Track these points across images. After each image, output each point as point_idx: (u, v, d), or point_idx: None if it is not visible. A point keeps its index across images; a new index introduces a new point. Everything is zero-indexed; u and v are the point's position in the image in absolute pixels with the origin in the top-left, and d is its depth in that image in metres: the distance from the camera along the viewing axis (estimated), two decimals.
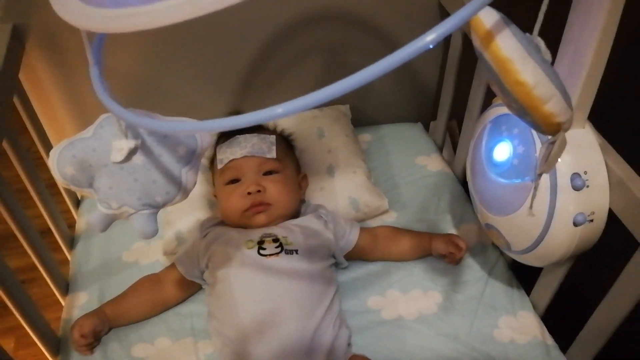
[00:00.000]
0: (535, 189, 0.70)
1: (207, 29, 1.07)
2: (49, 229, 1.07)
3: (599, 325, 0.81)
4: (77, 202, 1.20)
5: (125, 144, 0.63)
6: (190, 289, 0.96)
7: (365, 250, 1.00)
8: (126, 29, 0.42)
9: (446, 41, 1.19)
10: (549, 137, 0.60)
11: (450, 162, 1.23)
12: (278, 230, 0.92)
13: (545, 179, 0.71)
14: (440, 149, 1.27)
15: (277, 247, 0.89)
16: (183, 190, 0.68)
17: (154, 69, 1.12)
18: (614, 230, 0.73)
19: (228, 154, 0.95)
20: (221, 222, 0.99)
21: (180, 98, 1.16)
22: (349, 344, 0.87)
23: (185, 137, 0.67)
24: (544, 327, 0.93)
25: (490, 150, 0.80)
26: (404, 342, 0.91)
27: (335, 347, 0.82)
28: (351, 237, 0.99)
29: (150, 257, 1.05)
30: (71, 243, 1.11)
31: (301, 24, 1.12)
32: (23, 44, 1.00)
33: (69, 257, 1.09)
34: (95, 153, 0.67)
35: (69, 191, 1.17)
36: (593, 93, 0.70)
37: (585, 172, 0.71)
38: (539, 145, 0.72)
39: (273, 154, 0.95)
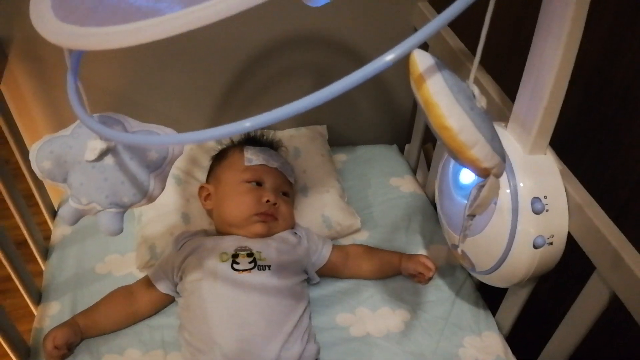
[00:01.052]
0: (466, 228, 0.70)
1: (189, 46, 1.09)
2: (25, 241, 1.07)
3: (559, 346, 0.84)
4: (54, 214, 1.20)
5: (98, 145, 0.67)
6: (162, 301, 0.97)
7: (337, 267, 1.02)
8: (99, 47, 0.44)
9: None
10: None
11: (423, 185, 1.27)
12: (253, 244, 0.94)
13: (507, 201, 0.75)
14: (414, 171, 1.31)
15: (250, 263, 0.90)
16: (150, 194, 0.71)
17: (135, 85, 1.14)
18: (576, 251, 0.76)
19: (261, 159, 1.00)
20: (195, 233, 1.01)
21: (160, 113, 1.18)
22: (317, 359, 0.89)
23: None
24: (508, 347, 0.95)
25: (456, 173, 0.83)
26: (371, 359, 0.93)
27: None
28: (323, 252, 1.01)
29: (124, 270, 1.06)
30: (45, 254, 1.11)
31: (282, 44, 1.15)
32: (6, 56, 1.02)
33: (43, 268, 1.09)
34: (72, 150, 0.70)
35: (45, 203, 1.17)
36: (553, 121, 0.74)
37: (545, 197, 0.74)
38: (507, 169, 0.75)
39: (293, 179, 1.05)
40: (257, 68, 1.17)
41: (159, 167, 0.71)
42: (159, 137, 0.69)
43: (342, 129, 1.30)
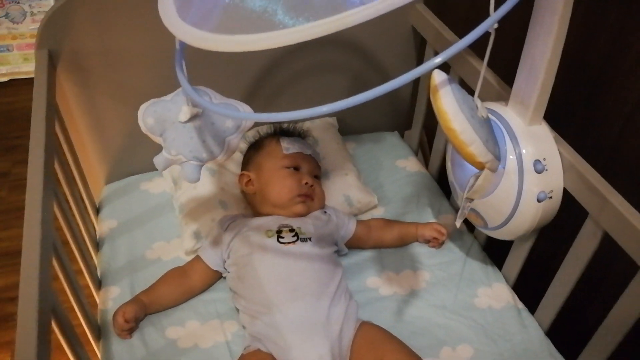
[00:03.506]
0: (465, 209, 0.88)
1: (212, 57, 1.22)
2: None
3: (558, 288, 1.00)
4: (97, 211, 1.31)
5: (190, 110, 0.86)
6: (213, 277, 1.10)
7: (362, 239, 1.17)
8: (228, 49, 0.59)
9: (419, 59, 1.39)
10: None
11: (425, 165, 1.42)
12: (293, 222, 1.07)
13: (513, 165, 0.90)
14: (416, 154, 1.46)
15: (293, 236, 1.04)
16: (223, 154, 0.89)
17: (159, 85, 1.25)
18: (569, 208, 0.92)
19: (297, 147, 1.14)
20: (235, 216, 1.14)
21: None
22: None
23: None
24: (515, 294, 1.11)
25: None
26: (401, 314, 1.07)
27: (348, 316, 0.97)
28: (350, 227, 1.15)
29: (171, 254, 1.18)
30: (96, 247, 1.22)
31: (294, 49, 1.29)
32: (55, 68, 1.13)
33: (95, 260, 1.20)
34: (169, 112, 0.88)
35: (91, 202, 1.29)
36: (546, 98, 0.90)
37: (544, 159, 0.90)
38: (508, 139, 0.91)
39: (321, 162, 1.20)
40: (272, 70, 1.30)
41: (232, 133, 0.89)
42: (238, 112, 0.87)
43: (348, 120, 1.45)
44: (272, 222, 1.08)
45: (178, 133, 0.88)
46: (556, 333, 1.04)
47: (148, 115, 0.90)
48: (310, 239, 1.04)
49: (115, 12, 1.11)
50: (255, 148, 1.18)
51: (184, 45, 0.76)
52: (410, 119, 1.47)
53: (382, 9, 0.54)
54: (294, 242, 1.03)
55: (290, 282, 0.98)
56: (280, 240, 1.03)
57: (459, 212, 0.87)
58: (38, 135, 0.91)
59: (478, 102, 0.76)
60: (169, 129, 0.89)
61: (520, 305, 1.09)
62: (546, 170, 0.90)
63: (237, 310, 1.04)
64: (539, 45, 0.84)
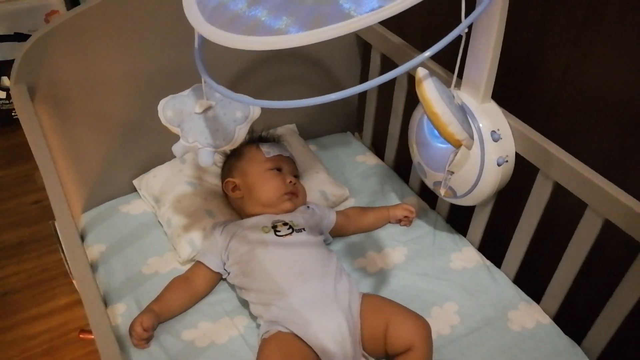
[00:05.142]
0: (447, 180, 1.02)
1: (185, 65, 1.28)
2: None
3: (519, 240, 1.17)
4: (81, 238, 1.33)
5: (205, 103, 0.99)
6: (215, 279, 1.17)
7: (343, 227, 1.29)
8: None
9: (365, 64, 1.54)
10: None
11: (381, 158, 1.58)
12: (284, 217, 1.17)
13: (475, 137, 1.07)
14: (370, 149, 1.61)
15: (288, 229, 1.14)
16: (234, 141, 1.01)
17: (136, 111, 1.31)
18: (522, 173, 1.09)
19: (276, 150, 1.24)
20: (226, 221, 1.22)
21: (157, 132, 1.36)
22: None
23: (243, 106, 1.01)
24: (482, 254, 1.28)
25: (432, 127, 1.13)
26: (390, 285, 1.20)
27: (352, 289, 1.08)
28: (331, 217, 1.27)
29: (168, 267, 1.23)
30: None
31: (255, 63, 1.40)
32: (32, 101, 1.16)
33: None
34: (186, 105, 1.00)
35: None
36: (493, 80, 1.07)
37: (498, 129, 1.07)
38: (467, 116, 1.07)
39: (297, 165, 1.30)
40: (250, 77, 1.40)
41: (241, 123, 1.01)
42: (253, 99, 0.96)
43: (306, 125, 1.57)
44: (264, 220, 1.17)
45: (194, 123, 1.00)
46: (522, 280, 1.21)
47: (167, 109, 1.01)
48: (304, 229, 1.15)
49: (91, 41, 1.16)
50: (235, 156, 1.27)
51: (202, 44, 0.86)
52: (357, 120, 1.62)
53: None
54: (290, 233, 1.13)
55: (295, 267, 1.07)
56: (277, 233, 1.13)
57: (442, 182, 1.02)
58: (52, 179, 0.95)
59: (454, 92, 0.92)
60: (186, 119, 1.01)
61: (488, 262, 1.26)
62: (501, 138, 1.07)
63: (247, 303, 1.12)
64: (482, 41, 1.02)
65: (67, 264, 1.47)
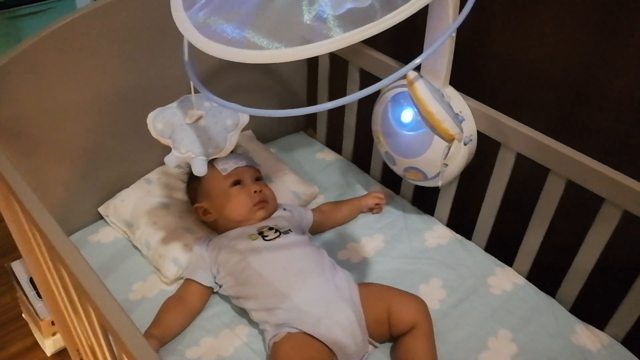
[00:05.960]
0: (443, 171, 1.12)
1: (139, 98, 1.26)
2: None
3: (487, 211, 1.27)
4: None
5: (195, 113, 1.01)
6: (208, 293, 1.17)
7: (321, 223, 1.33)
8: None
9: (313, 66, 1.58)
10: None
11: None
12: (268, 222, 1.19)
13: None
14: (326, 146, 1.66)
15: (275, 233, 1.16)
16: (225, 148, 1.04)
17: (97, 136, 1.27)
18: (482, 149, 1.19)
19: (231, 164, 1.20)
20: (208, 236, 1.22)
21: (119, 155, 1.33)
22: None
23: (233, 114, 1.03)
24: (452, 230, 1.37)
25: (397, 117, 1.19)
26: (376, 271, 1.26)
27: (349, 281, 1.13)
28: (308, 216, 1.31)
29: (154, 290, 1.21)
30: None
31: (217, 73, 1.39)
32: None
33: None
34: (176, 117, 1.01)
35: None
36: (449, 68, 1.15)
37: (461, 112, 1.15)
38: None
39: (258, 166, 1.28)
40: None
41: (232, 130, 1.04)
42: (244, 108, 0.96)
43: (261, 130, 1.59)
44: (249, 229, 1.18)
45: (186, 133, 1.02)
46: (493, 247, 1.31)
47: (157, 121, 1.01)
48: (290, 230, 1.18)
49: (47, 70, 1.12)
50: (196, 180, 1.21)
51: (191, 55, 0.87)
52: (307, 118, 1.69)
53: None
54: (278, 236, 1.15)
55: (291, 269, 1.10)
56: (266, 238, 1.15)
57: (439, 174, 1.09)
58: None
59: (443, 91, 0.99)
60: (177, 130, 1.02)
61: (459, 236, 1.35)
62: (464, 119, 1.15)
63: (244, 312, 1.13)
64: (440, 30, 1.09)
65: (28, 301, 1.41)
